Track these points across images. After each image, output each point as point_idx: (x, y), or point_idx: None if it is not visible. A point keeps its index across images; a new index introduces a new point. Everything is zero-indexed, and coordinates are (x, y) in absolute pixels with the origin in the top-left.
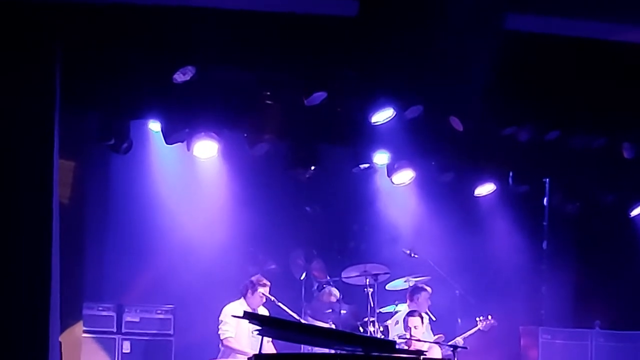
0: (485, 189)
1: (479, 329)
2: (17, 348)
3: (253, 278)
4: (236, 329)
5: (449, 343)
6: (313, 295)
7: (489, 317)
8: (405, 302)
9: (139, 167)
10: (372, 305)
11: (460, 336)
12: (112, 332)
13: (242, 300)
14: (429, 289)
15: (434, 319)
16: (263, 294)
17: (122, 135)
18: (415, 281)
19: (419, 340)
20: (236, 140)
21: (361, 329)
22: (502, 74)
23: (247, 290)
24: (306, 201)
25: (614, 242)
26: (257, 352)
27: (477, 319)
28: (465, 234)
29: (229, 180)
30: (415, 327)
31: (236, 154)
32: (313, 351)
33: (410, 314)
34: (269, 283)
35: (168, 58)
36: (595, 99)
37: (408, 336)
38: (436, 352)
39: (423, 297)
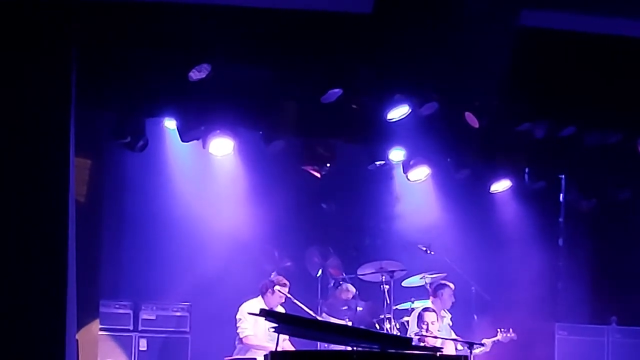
0: (501, 186)
1: (497, 340)
2: (34, 346)
3: (273, 278)
4: (254, 327)
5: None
6: (329, 293)
7: (510, 330)
8: (422, 299)
9: (154, 165)
10: (388, 302)
11: (479, 343)
12: (128, 330)
13: (259, 298)
14: (451, 285)
15: (450, 315)
16: (282, 293)
17: (138, 133)
18: (432, 278)
19: (435, 337)
20: (252, 137)
21: (377, 326)
22: (517, 70)
23: (266, 289)
24: (322, 198)
25: (630, 238)
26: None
27: (498, 329)
28: (481, 230)
29: (245, 177)
30: (432, 322)
31: (252, 151)
32: (329, 348)
33: (426, 309)
34: (288, 283)
35: (183, 56)
36: (611, 95)
37: (424, 332)
38: (450, 349)
39: (447, 294)
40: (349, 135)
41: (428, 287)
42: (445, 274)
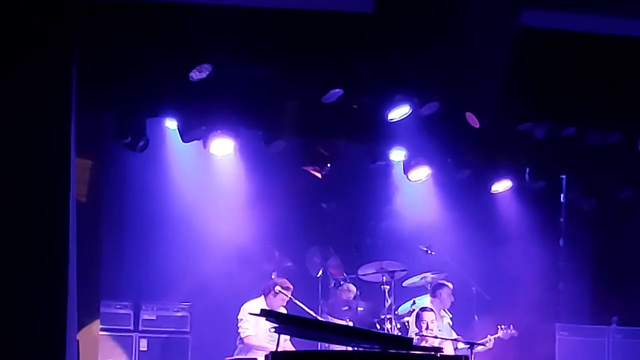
0: (501, 186)
1: (498, 337)
2: (34, 346)
3: (277, 280)
4: (255, 327)
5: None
6: (330, 293)
7: (511, 326)
8: (423, 299)
9: (155, 165)
10: (388, 302)
11: (480, 343)
12: (129, 330)
13: (261, 298)
14: (450, 284)
15: (450, 315)
16: (285, 296)
17: (139, 133)
18: (432, 278)
19: (435, 337)
20: (252, 137)
21: (378, 326)
22: (518, 70)
23: (269, 291)
24: (322, 198)
25: (631, 238)
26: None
27: (499, 326)
28: (481, 230)
29: (246, 177)
30: (431, 321)
31: (252, 151)
32: (330, 348)
33: (424, 309)
34: (292, 287)
35: (184, 56)
36: (611, 95)
37: (424, 331)
38: (448, 349)
39: (445, 293)
40: (350, 135)
41: (428, 287)
42: (446, 274)
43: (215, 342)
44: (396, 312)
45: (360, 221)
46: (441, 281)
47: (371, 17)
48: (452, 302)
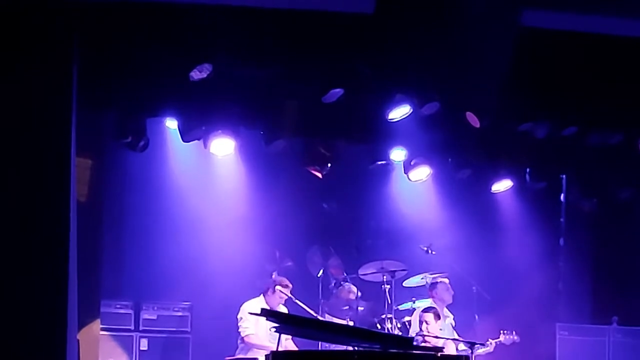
0: (502, 186)
1: (500, 342)
2: (35, 346)
3: (276, 278)
4: (255, 326)
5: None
6: (330, 292)
7: (514, 332)
8: (422, 299)
9: (155, 165)
10: (389, 302)
11: (481, 343)
12: (129, 330)
13: (261, 297)
14: (445, 280)
15: (452, 316)
16: (283, 294)
17: (139, 133)
18: (432, 278)
19: (437, 337)
20: (253, 137)
21: (379, 326)
22: (519, 70)
23: (267, 289)
24: (323, 198)
25: (632, 238)
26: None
27: (502, 331)
28: (482, 230)
29: (246, 177)
30: (427, 322)
31: (253, 151)
32: (331, 348)
33: (426, 309)
34: (290, 285)
35: (185, 55)
36: (612, 95)
37: (425, 332)
38: (450, 349)
39: (441, 289)
40: (350, 135)
41: (429, 287)
42: (446, 274)
43: (215, 342)
44: (396, 308)
45: (360, 221)
46: (434, 280)
47: (372, 17)
48: (452, 296)
